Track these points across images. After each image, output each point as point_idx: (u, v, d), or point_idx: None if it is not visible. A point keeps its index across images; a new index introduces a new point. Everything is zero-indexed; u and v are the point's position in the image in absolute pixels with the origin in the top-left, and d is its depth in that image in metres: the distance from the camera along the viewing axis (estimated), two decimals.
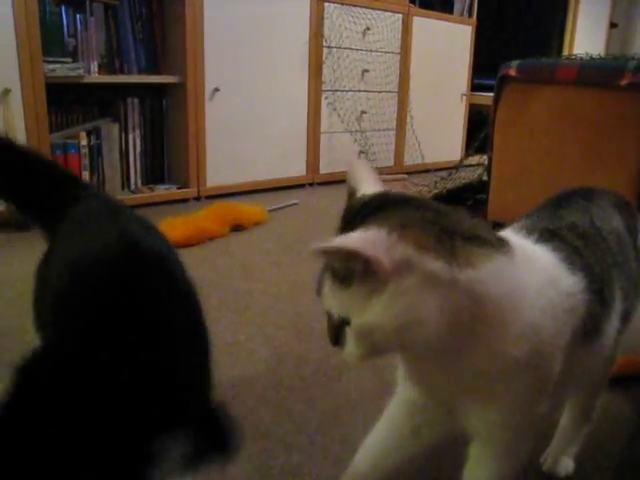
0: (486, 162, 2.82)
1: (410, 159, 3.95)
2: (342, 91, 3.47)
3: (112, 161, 2.85)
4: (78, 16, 2.68)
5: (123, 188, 2.93)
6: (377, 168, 3.69)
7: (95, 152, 2.80)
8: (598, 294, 0.70)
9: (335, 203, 3.25)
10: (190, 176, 2.97)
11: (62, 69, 2.59)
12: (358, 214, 0.61)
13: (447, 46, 4.05)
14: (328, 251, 0.56)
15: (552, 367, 0.65)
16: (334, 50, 3.38)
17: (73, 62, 2.65)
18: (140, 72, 2.93)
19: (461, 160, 3.32)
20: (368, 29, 3.52)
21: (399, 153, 3.89)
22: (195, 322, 0.73)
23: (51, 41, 2.57)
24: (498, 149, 2.61)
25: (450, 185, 3.09)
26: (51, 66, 2.54)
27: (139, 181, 3.00)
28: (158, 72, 2.98)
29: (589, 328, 0.69)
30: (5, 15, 2.35)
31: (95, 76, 2.75)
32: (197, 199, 2.99)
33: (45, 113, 2.52)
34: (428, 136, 3.97)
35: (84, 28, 2.71)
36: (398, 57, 3.76)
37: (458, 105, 4.24)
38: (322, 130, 3.43)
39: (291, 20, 3.19)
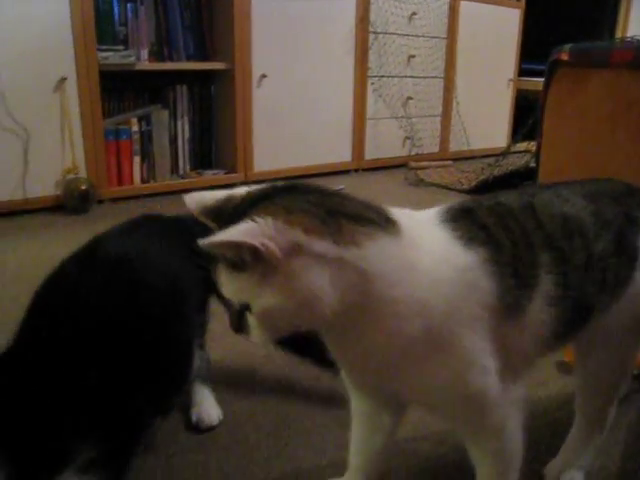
0: (534, 148, 2.77)
1: (456, 145, 3.91)
2: (388, 77, 3.46)
3: (162, 147, 2.92)
4: (129, 5, 2.74)
5: (172, 173, 2.99)
6: (422, 154, 3.67)
7: (146, 138, 2.87)
8: (511, 268, 0.68)
9: (381, 189, 3.28)
10: (237, 161, 3.01)
11: (115, 57, 2.65)
12: (245, 206, 0.63)
13: (494, 31, 3.98)
14: (216, 245, 0.58)
15: (465, 344, 0.65)
16: (380, 35, 3.36)
17: (125, 50, 2.71)
18: (189, 59, 2.98)
19: (508, 146, 3.28)
20: (414, 14, 3.49)
21: (444, 139, 3.86)
22: (140, 317, 0.83)
23: (103, 30, 2.64)
24: (547, 135, 2.56)
25: (497, 171, 3.05)
26: (104, 54, 2.61)
27: (187, 166, 3.06)
28: (206, 59, 3.02)
29: (509, 302, 0.68)
30: (62, 6, 2.42)
31: (145, 63, 2.80)
32: (244, 184, 3.00)
33: (99, 100, 2.59)
34: (474, 122, 3.92)
35: (134, 17, 2.76)
36: (444, 42, 3.72)
37: (504, 91, 4.17)
38: (368, 116, 3.42)
39: (337, 5, 3.19)
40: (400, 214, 0.68)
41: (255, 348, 1.35)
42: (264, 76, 2.99)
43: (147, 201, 2.78)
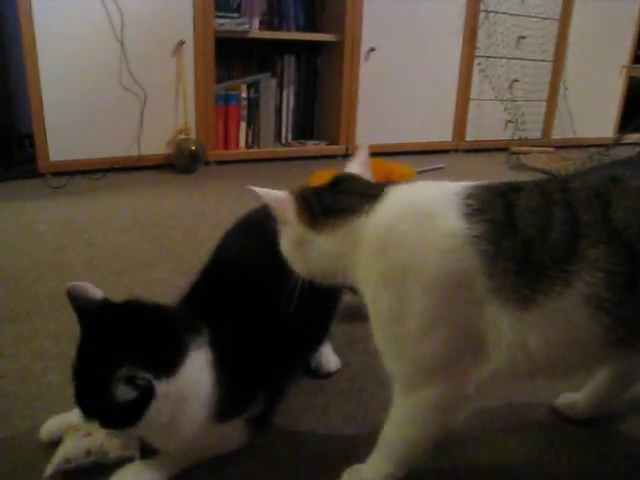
0: None
1: (560, 132, 3.77)
2: (495, 57, 3.38)
3: (267, 114, 2.99)
4: None
5: (275, 141, 3.06)
6: (525, 139, 3.57)
7: (253, 105, 2.94)
8: (518, 253, 0.64)
9: (482, 170, 3.21)
10: (340, 133, 3.04)
11: (230, 24, 2.72)
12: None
13: (610, 14, 3.78)
14: (255, 195, 0.80)
15: (419, 307, 0.68)
16: (491, 14, 3.28)
17: (239, 18, 2.78)
18: (298, 30, 3.02)
19: (619, 136, 3.14)
20: None
21: (548, 125, 3.73)
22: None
23: None
24: None
25: (606, 161, 2.94)
26: (221, 20, 2.69)
27: (290, 135, 3.11)
28: (315, 30, 3.05)
29: (502, 287, 0.64)
30: None
31: (257, 32, 2.86)
32: (345, 156, 3.05)
33: (213, 64, 2.68)
34: (581, 109, 3.77)
35: None
36: (557, 24, 3.58)
37: (616, 78, 3.97)
38: (472, 96, 3.36)
39: None
40: (412, 186, 0.77)
41: None
42: (372, 49, 2.99)
43: (251, 166, 2.86)
